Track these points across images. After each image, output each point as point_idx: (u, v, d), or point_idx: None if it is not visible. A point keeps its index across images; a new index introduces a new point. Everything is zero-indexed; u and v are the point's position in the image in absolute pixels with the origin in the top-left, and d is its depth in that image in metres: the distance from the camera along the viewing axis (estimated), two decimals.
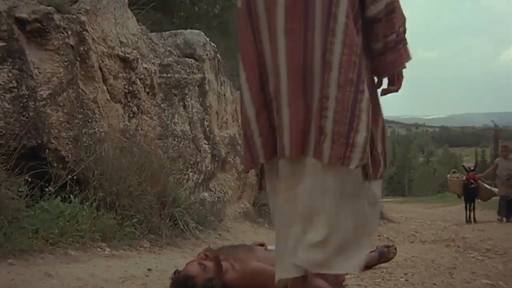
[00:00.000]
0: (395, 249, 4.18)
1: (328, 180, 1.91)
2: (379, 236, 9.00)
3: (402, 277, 3.49)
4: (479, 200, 12.82)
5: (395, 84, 2.10)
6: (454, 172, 14.08)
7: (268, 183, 2.22)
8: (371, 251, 4.19)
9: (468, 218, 12.24)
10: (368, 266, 3.93)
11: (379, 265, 4.00)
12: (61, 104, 4.31)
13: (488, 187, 12.94)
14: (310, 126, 1.93)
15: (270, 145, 2.04)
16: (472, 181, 12.34)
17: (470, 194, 12.47)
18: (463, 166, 14.45)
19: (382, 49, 2.02)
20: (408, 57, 2.05)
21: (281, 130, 1.95)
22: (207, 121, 6.79)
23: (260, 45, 2.03)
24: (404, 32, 2.04)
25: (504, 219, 11.53)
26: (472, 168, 13.01)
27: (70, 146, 4.37)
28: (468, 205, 12.44)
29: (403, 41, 2.04)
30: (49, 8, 4.32)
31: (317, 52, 1.90)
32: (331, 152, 1.86)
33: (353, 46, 1.86)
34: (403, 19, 2.04)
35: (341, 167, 1.87)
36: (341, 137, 1.85)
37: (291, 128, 1.93)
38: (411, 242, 8.01)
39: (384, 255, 4.05)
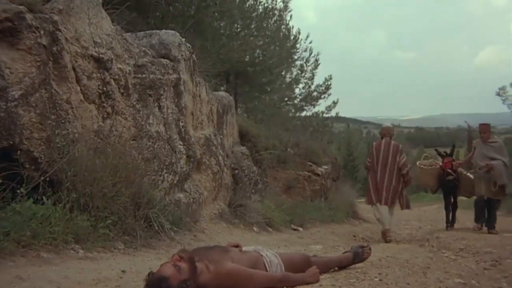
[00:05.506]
0: (370, 249, 4.22)
1: (387, 209, 8.71)
2: (354, 236, 9.09)
3: (376, 277, 3.51)
4: (464, 196, 9.92)
5: (408, 183, 8.88)
6: (426, 158, 10.48)
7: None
8: (346, 251, 4.22)
9: (449, 223, 9.48)
10: (342, 266, 3.96)
11: (353, 265, 4.04)
12: (34, 104, 4.24)
13: (472, 176, 9.28)
14: (382, 193, 8.60)
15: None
16: (449, 170, 9.34)
17: (447, 189, 9.53)
18: (436, 149, 10.54)
19: (405, 180, 8.69)
20: (412, 183, 9.36)
21: (377, 193, 8.72)
22: (182, 121, 6.76)
23: (376, 165, 8.74)
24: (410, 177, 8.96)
25: (485, 227, 8.68)
26: (448, 152, 9.74)
27: (43, 147, 4.31)
28: (447, 204, 9.58)
29: (411, 180, 8.92)
30: (20, 7, 4.25)
31: (387, 175, 8.54)
32: (389, 203, 8.70)
33: (399, 177, 8.59)
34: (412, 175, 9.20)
35: (390, 206, 8.74)
36: (391, 199, 8.63)
37: (379, 195, 8.66)
38: (386, 242, 8.08)
39: (358, 255, 4.08)
